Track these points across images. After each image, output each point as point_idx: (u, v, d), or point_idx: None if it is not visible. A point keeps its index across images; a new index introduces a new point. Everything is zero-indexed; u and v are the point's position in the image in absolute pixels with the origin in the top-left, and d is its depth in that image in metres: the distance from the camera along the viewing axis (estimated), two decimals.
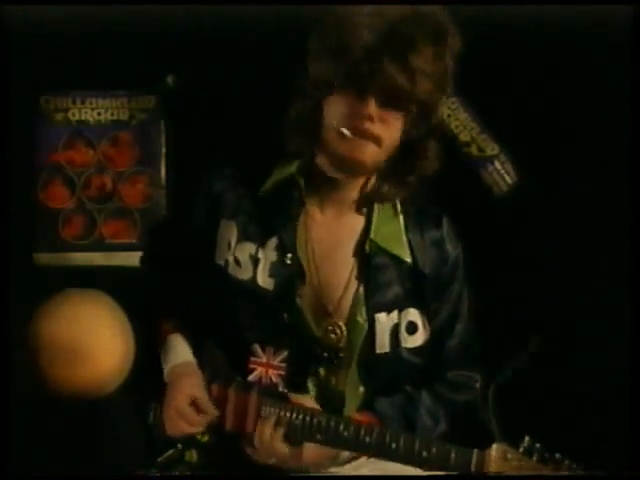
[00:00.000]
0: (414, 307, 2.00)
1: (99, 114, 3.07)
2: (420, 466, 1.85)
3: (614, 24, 2.55)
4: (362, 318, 1.97)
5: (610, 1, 2.57)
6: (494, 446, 1.76)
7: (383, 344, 1.98)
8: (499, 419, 1.80)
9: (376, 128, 1.84)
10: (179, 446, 1.96)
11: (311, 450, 1.88)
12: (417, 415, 1.99)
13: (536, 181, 2.87)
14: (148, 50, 2.93)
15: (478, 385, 2.05)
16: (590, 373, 2.78)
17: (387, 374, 1.99)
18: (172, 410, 1.95)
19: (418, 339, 2.00)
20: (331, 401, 1.97)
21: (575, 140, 2.83)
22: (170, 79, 2.99)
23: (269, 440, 1.85)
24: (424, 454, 1.80)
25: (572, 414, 2.70)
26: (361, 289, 1.97)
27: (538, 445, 1.74)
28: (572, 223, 2.82)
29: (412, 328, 1.99)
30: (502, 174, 2.92)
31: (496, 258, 2.78)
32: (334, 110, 1.87)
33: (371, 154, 1.87)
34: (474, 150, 2.93)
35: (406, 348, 1.99)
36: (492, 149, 2.93)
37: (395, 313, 1.98)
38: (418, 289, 2.00)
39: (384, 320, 1.98)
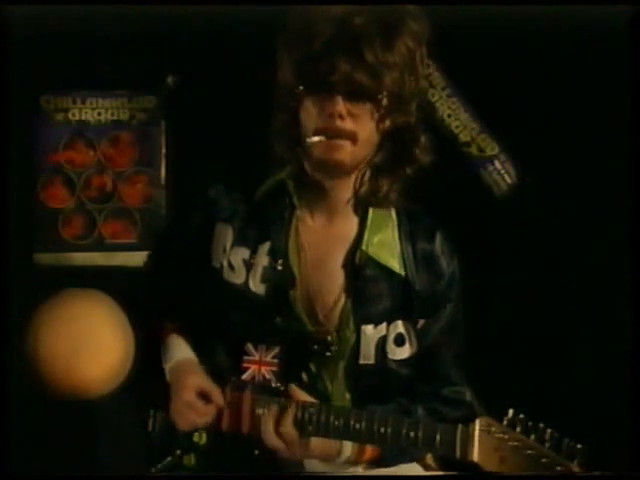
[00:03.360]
0: (403, 319, 1.97)
1: (99, 114, 3.07)
2: (408, 447, 1.84)
3: (614, 24, 2.55)
4: (350, 330, 1.96)
5: (610, 1, 2.57)
6: (477, 420, 1.76)
7: (368, 355, 1.96)
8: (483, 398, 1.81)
9: (348, 124, 1.83)
10: (178, 452, 1.96)
11: (317, 441, 1.87)
12: None
13: (536, 181, 2.87)
14: (148, 50, 2.93)
15: (469, 398, 2.05)
16: (591, 374, 2.79)
17: (372, 384, 1.98)
18: (181, 404, 1.94)
19: (406, 351, 1.98)
20: (320, 399, 1.96)
21: (575, 140, 2.83)
22: (170, 79, 2.99)
23: (271, 431, 1.84)
24: (411, 435, 1.80)
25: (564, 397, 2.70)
26: (350, 301, 1.96)
27: (521, 416, 1.74)
28: (572, 222, 2.82)
29: (400, 340, 1.97)
30: (502, 174, 2.92)
31: (495, 258, 2.78)
32: (308, 118, 1.86)
33: (348, 152, 1.85)
34: (474, 150, 2.93)
35: (393, 360, 1.98)
36: (492, 149, 2.93)
37: (383, 325, 1.96)
38: (408, 302, 1.97)
39: (370, 332, 1.96)
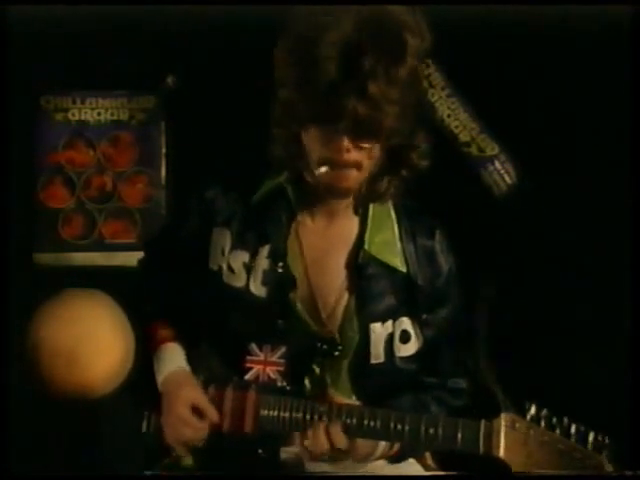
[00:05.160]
0: (407, 316, 1.98)
1: (99, 114, 3.07)
2: (428, 444, 1.84)
3: (614, 24, 2.55)
4: (353, 331, 1.95)
5: (610, 1, 2.57)
6: (502, 415, 1.74)
7: (378, 354, 1.96)
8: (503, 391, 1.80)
9: (353, 156, 1.83)
10: (174, 453, 1.95)
11: (361, 442, 1.85)
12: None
13: (536, 181, 2.87)
14: (148, 50, 2.93)
15: (465, 386, 2.05)
16: (590, 374, 2.79)
17: (380, 383, 1.97)
18: (173, 418, 1.93)
19: (411, 348, 1.98)
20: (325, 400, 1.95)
21: (575, 140, 2.83)
22: (170, 79, 2.99)
23: (323, 437, 1.83)
24: (431, 431, 1.79)
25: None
26: (353, 300, 1.96)
27: (545, 411, 1.73)
28: (572, 222, 2.82)
29: (405, 337, 1.97)
30: (502, 174, 2.92)
31: (495, 259, 2.78)
32: (311, 142, 1.86)
33: (354, 179, 1.86)
34: (474, 150, 2.94)
35: (400, 357, 1.97)
36: (492, 149, 2.93)
37: (389, 323, 1.96)
38: (412, 298, 1.97)
39: (379, 330, 1.96)
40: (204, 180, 2.07)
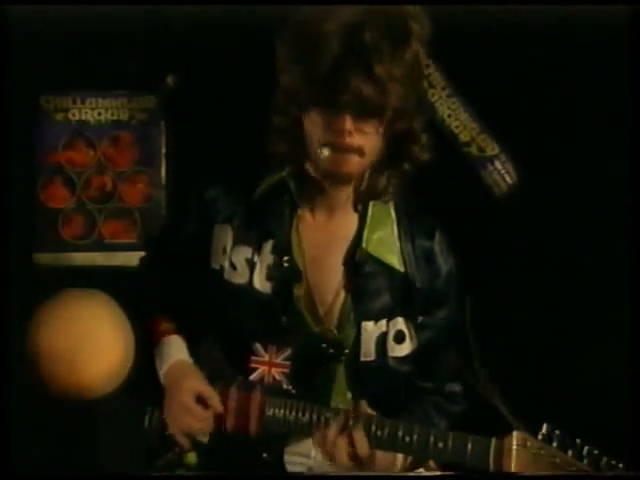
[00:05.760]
0: (403, 316, 1.97)
1: (99, 114, 3.08)
2: (436, 458, 1.83)
3: (613, 24, 2.55)
4: (350, 329, 1.95)
5: (609, 1, 2.57)
6: (514, 434, 1.72)
7: (368, 352, 1.95)
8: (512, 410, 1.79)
9: (356, 140, 1.82)
10: (177, 449, 1.94)
11: (380, 454, 1.84)
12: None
13: (536, 181, 2.87)
14: (148, 50, 2.94)
15: (458, 389, 2.05)
16: (590, 376, 2.79)
17: (373, 382, 1.97)
18: (177, 406, 1.92)
19: (405, 348, 1.97)
20: (322, 400, 1.95)
21: (575, 140, 2.83)
22: (170, 79, 2.99)
23: (344, 448, 1.81)
24: (440, 445, 1.77)
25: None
26: (350, 298, 1.95)
27: (557, 432, 1.71)
28: (572, 223, 2.82)
29: (400, 337, 1.97)
30: (502, 174, 2.92)
31: (495, 259, 2.78)
32: (313, 127, 1.85)
33: (355, 165, 1.86)
34: (474, 150, 2.94)
35: (393, 357, 1.97)
36: (492, 149, 2.93)
37: (383, 322, 1.96)
38: (409, 298, 1.97)
39: (371, 328, 1.95)
40: (204, 180, 2.07)
